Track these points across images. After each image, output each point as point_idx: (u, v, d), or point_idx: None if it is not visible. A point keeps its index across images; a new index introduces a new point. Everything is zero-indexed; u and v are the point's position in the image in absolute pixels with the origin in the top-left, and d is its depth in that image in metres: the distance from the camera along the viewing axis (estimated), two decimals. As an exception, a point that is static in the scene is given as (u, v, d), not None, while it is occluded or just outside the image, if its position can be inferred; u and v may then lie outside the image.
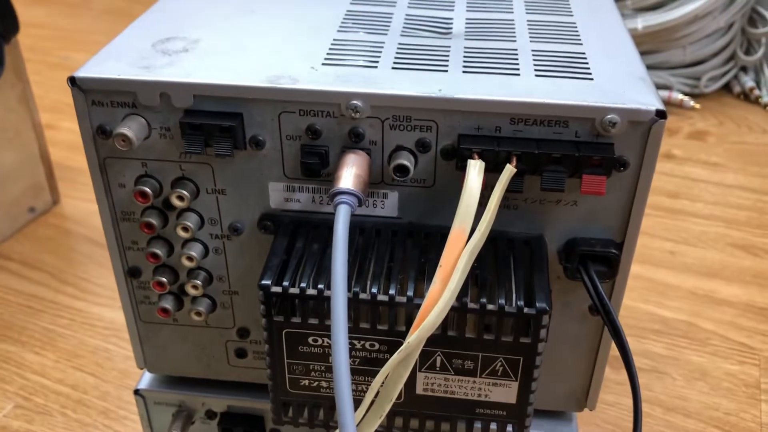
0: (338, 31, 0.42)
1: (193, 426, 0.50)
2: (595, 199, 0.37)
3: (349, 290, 0.36)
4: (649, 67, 1.24)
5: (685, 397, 0.72)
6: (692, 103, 1.28)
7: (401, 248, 0.38)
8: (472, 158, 0.35)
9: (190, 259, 0.41)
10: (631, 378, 0.39)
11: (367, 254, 0.38)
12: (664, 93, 1.28)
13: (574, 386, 0.44)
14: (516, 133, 0.36)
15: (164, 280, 0.42)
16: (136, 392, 0.49)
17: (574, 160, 0.35)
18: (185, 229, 0.40)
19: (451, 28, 0.43)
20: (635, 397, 0.39)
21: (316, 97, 0.36)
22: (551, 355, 0.43)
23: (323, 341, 0.37)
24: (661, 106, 0.34)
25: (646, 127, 0.35)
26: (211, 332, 0.45)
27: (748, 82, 1.33)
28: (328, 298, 0.36)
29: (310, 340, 0.37)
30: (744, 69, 1.34)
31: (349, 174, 0.35)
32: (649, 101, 0.35)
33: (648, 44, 1.26)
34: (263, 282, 0.36)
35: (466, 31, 0.42)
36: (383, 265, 0.37)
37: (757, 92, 1.29)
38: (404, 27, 0.43)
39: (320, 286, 0.36)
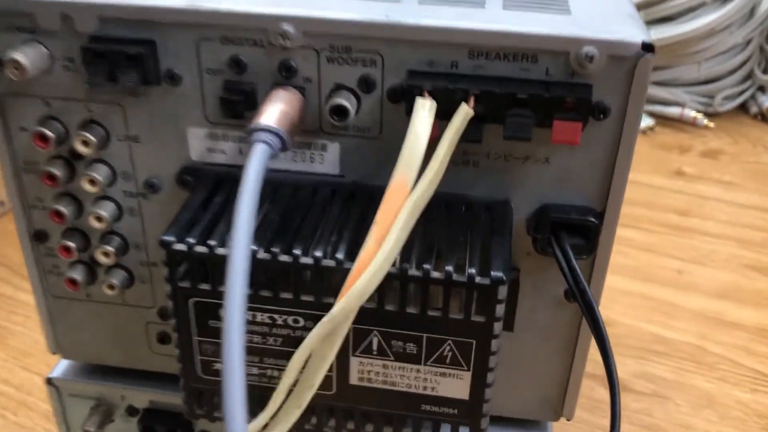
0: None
1: (114, 424, 0.43)
2: (571, 156, 0.31)
3: (264, 249, 0.29)
4: (661, 84, 1.18)
5: (690, 425, 0.65)
6: (706, 121, 1.22)
7: (339, 210, 0.32)
8: (420, 97, 0.29)
9: (99, 219, 0.35)
10: (609, 375, 0.32)
11: (297, 215, 0.32)
12: (676, 110, 1.21)
13: (547, 390, 0.37)
14: (475, 70, 0.30)
15: (71, 245, 0.36)
16: (48, 381, 0.42)
17: (543, 103, 0.29)
18: (92, 182, 0.34)
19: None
20: (613, 401, 0.32)
21: (240, 21, 0.30)
22: (520, 352, 0.36)
23: (239, 314, 0.31)
24: (648, 39, 0.29)
25: (630, 64, 0.29)
26: (128, 312, 0.39)
27: (766, 102, 1.27)
28: (244, 261, 0.30)
29: (221, 312, 0.31)
30: (762, 89, 1.28)
31: (275, 110, 0.29)
32: (634, 33, 0.29)
33: (660, 59, 1.20)
34: (165, 237, 0.30)
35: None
36: (315, 227, 0.31)
37: (774, 113, 1.22)
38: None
39: (235, 245, 0.30)
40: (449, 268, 0.29)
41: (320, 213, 0.32)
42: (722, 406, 0.67)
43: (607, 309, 0.79)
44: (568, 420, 0.39)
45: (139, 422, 0.42)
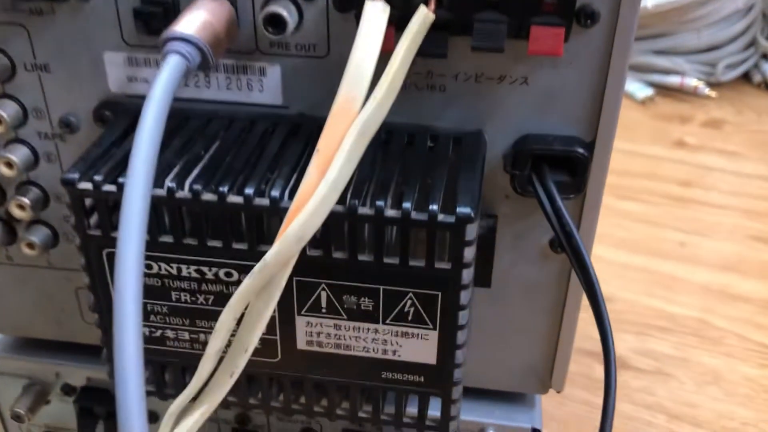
0: None
1: (50, 406, 0.39)
2: (553, 73, 0.26)
3: (184, 188, 0.25)
4: (660, 52, 1.13)
5: (695, 403, 0.60)
6: (707, 90, 1.17)
7: (280, 144, 0.27)
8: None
9: (9, 165, 0.30)
10: (603, 339, 0.28)
11: (229, 151, 0.27)
12: (676, 79, 1.16)
13: (533, 358, 0.32)
14: (436, -32, 0.25)
15: (-19, 196, 0.31)
16: (-28, 358, 0.38)
17: (518, 3, 0.24)
18: (-2, 120, 0.29)
19: None
20: (607, 371, 0.27)
21: None
22: (500, 314, 0.31)
23: (161, 268, 0.26)
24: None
25: (623, -45, 0.24)
26: (55, 275, 0.34)
27: (770, 70, 1.21)
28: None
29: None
30: (765, 57, 1.23)
31: (194, 17, 0.24)
32: None
33: (659, 26, 1.14)
34: (67, 175, 0.25)
35: None
36: (249, 163, 0.26)
37: (779, 82, 1.17)
38: None
39: (153, 183, 0.25)
40: (407, 204, 0.24)
41: (256, 147, 0.27)
42: (728, 382, 0.62)
43: (606, 284, 0.74)
44: (558, 392, 0.34)
45: (75, 402, 0.37)
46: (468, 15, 0.24)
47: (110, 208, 0.25)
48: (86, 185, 0.25)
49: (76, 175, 0.25)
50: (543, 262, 0.30)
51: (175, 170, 0.25)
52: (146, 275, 0.26)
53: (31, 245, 0.32)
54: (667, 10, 1.11)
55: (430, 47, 0.25)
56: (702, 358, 0.65)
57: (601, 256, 0.74)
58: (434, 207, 0.24)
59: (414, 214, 0.24)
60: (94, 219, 0.26)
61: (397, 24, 0.25)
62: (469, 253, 0.24)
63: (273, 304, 0.24)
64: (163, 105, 0.22)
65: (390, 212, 0.24)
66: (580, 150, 0.27)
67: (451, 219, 0.23)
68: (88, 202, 0.25)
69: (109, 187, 0.25)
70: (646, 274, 0.76)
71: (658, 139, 1.02)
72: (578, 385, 0.61)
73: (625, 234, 0.81)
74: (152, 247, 0.26)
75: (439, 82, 0.27)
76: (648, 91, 1.09)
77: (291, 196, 0.24)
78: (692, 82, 1.16)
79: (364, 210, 0.24)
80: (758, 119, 1.08)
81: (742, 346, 0.66)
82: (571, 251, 0.26)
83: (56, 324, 0.36)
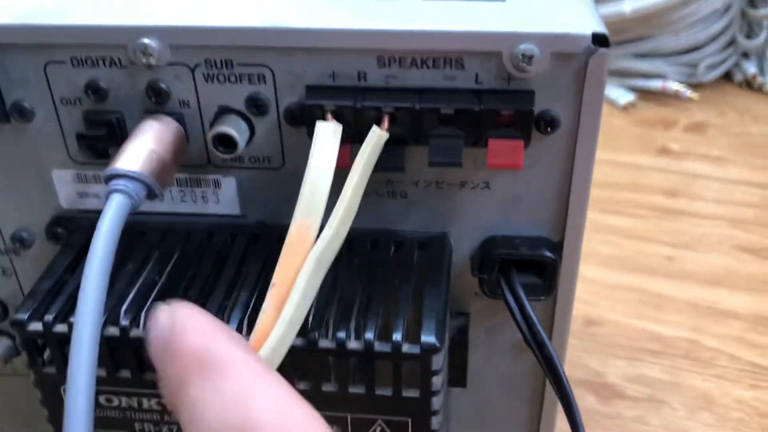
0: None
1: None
2: (516, 178, 0.25)
3: (137, 325, 0.24)
4: (641, 55, 1.12)
5: (688, 430, 0.59)
6: (689, 93, 1.16)
7: (237, 260, 0.26)
8: (323, 119, 0.23)
9: (-37, 283, 0.29)
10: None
11: (185, 272, 0.26)
12: (658, 83, 1.15)
13: (515, 445, 0.32)
14: (388, 81, 0.24)
15: (-64, 313, 0.30)
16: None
17: (473, 118, 0.23)
18: (-53, 240, 0.28)
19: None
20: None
21: (90, 37, 0.24)
22: (480, 410, 0.31)
23: (121, 401, 0.25)
24: (601, 29, 0.23)
25: (581, 63, 0.23)
26: (21, 381, 0.33)
27: (751, 68, 1.21)
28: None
29: (102, 400, 0.25)
30: (745, 55, 1.22)
31: (137, 149, 0.23)
32: (583, 23, 0.23)
33: (637, 30, 1.13)
34: (16, 317, 0.24)
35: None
36: (205, 288, 0.25)
37: (760, 79, 1.16)
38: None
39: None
40: (369, 336, 0.23)
41: (214, 266, 0.26)
42: (721, 406, 0.61)
43: (593, 306, 0.73)
44: (541, 476, 0.33)
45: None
46: (423, 130, 0.23)
47: (62, 345, 0.24)
48: (36, 326, 0.24)
49: (25, 316, 0.24)
50: (518, 355, 0.29)
51: (129, 302, 0.25)
52: (107, 408, 0.25)
53: (-8, 357, 0.31)
54: (646, 14, 1.10)
55: (386, 162, 0.24)
56: (694, 382, 0.64)
57: (588, 277, 0.73)
58: (398, 337, 0.23)
59: (377, 345, 0.23)
60: (47, 354, 0.25)
61: (351, 138, 0.24)
62: (438, 380, 0.23)
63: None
64: (109, 245, 0.21)
65: (353, 344, 0.23)
66: (548, 253, 0.26)
67: (416, 349, 0.23)
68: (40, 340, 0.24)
69: (60, 327, 0.24)
70: (634, 293, 0.75)
71: (642, 146, 1.01)
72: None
73: (611, 251, 0.80)
74: (111, 381, 0.25)
75: (400, 189, 0.26)
76: (630, 97, 1.08)
77: (249, 327, 0.23)
78: (674, 85, 1.15)
79: (325, 343, 0.23)
80: (741, 120, 1.08)
81: (733, 366, 0.66)
82: (543, 361, 0.26)
83: (25, 428, 0.35)
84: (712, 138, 1.03)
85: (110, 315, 0.24)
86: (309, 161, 0.23)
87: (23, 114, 0.26)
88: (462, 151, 0.23)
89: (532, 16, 0.23)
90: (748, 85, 1.20)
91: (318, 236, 0.22)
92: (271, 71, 0.24)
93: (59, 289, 0.25)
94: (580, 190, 0.25)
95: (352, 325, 0.23)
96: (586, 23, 0.23)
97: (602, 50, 0.22)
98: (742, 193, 0.91)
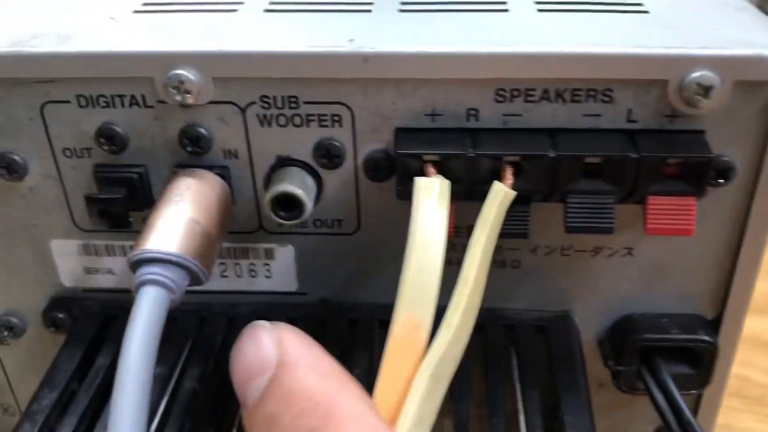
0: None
1: None
2: (669, 242, 0.19)
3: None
4: None
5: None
6: None
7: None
8: (424, 174, 0.17)
9: (-65, 382, 0.23)
10: None
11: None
12: None
13: None
14: (509, 121, 0.18)
15: None
16: None
17: (629, 168, 0.17)
18: None
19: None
20: None
21: (103, 67, 0.18)
22: None
23: None
24: (802, 49, 0.17)
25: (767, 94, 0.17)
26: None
27: None
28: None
29: None
30: None
31: (173, 219, 0.17)
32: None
33: None
34: (10, 449, 0.18)
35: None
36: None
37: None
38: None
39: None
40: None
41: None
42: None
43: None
44: None
45: None
46: (559, 186, 0.17)
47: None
48: (37, 464, 0.17)
49: (21, 448, 0.18)
50: (647, 455, 0.23)
51: (158, 421, 0.18)
52: None
53: (-26, 468, 0.25)
54: None
55: (505, 227, 0.18)
56: (747, 423, 0.59)
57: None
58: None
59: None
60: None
61: (460, 194, 0.18)
62: None
63: None
64: (144, 362, 0.15)
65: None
66: (705, 337, 0.20)
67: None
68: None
69: (71, 467, 0.17)
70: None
71: None
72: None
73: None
74: None
75: (511, 257, 0.20)
76: None
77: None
78: None
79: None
80: None
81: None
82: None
83: None
84: None
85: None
86: (411, 234, 0.17)
87: (13, 169, 0.19)
88: (613, 214, 0.17)
89: (696, 33, 0.18)
90: None
91: (432, 336, 0.16)
92: (350, 110, 0.18)
93: (65, 406, 0.19)
94: (750, 256, 0.19)
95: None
96: (775, 40, 0.17)
97: (805, 77, 0.17)
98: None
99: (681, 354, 0.20)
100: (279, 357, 0.14)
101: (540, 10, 0.19)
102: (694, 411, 0.22)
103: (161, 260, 0.16)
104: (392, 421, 0.16)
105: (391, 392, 0.16)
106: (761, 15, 0.19)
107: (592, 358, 0.21)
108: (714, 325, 0.21)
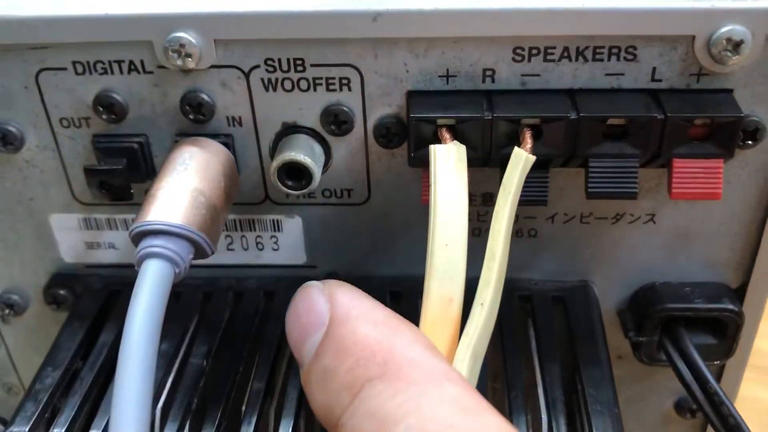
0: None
1: None
2: (693, 207, 0.19)
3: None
4: None
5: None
6: None
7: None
8: (439, 140, 0.17)
9: (-65, 362, 0.22)
10: None
11: (239, 349, 0.19)
12: None
13: None
14: (527, 82, 0.17)
15: None
16: None
17: (654, 130, 0.16)
18: None
19: None
20: None
21: (100, 31, 0.17)
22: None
23: None
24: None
25: (806, 49, 0.16)
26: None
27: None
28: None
29: None
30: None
31: (176, 190, 0.16)
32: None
33: None
34: (13, 429, 0.17)
35: None
36: (272, 376, 0.18)
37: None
38: None
39: None
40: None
41: (277, 343, 0.19)
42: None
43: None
44: None
45: None
46: (581, 150, 0.17)
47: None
48: (38, 448, 0.17)
49: (25, 429, 0.17)
50: (665, 427, 0.23)
51: (164, 398, 0.18)
52: None
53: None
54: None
55: (524, 194, 0.17)
56: (756, 392, 0.58)
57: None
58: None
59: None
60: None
61: (477, 159, 0.17)
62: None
63: None
64: (149, 338, 0.15)
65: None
66: (730, 305, 0.19)
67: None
68: (44, 460, 0.17)
69: (75, 448, 0.17)
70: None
71: None
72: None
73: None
74: None
75: (528, 226, 0.19)
76: None
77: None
78: None
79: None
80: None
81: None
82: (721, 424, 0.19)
83: None
84: None
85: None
86: (432, 207, 0.16)
87: (8, 141, 0.18)
88: (637, 178, 0.17)
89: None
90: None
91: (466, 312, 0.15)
92: (359, 73, 0.17)
93: (68, 385, 0.18)
94: (778, 221, 0.19)
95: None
96: (810, -9, 0.16)
97: (841, 31, 0.16)
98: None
99: (704, 324, 0.20)
100: (331, 312, 0.14)
101: (557, -35, 0.18)
102: (717, 377, 0.21)
103: (164, 232, 0.15)
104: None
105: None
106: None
107: (612, 330, 0.21)
108: (739, 294, 0.20)
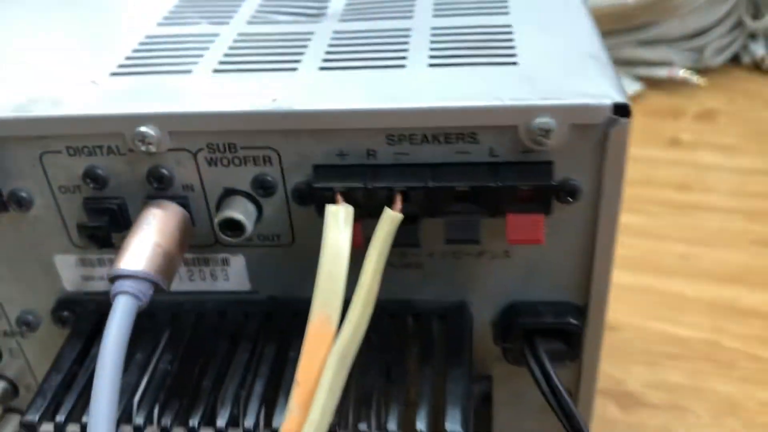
0: (159, 24, 0.29)
1: None
2: (536, 248, 0.24)
3: (150, 422, 0.23)
4: (645, 43, 1.09)
5: (715, 438, 0.58)
6: (697, 79, 1.13)
7: (251, 342, 0.25)
8: (332, 201, 0.22)
9: (-29, 367, 0.29)
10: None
11: (197, 356, 0.25)
12: (664, 71, 1.13)
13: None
14: (398, 158, 0.23)
15: (-53, 397, 0.30)
16: None
17: (491, 194, 0.22)
18: (-48, 328, 0.27)
19: (325, 8, 0.30)
20: None
21: (85, 127, 0.23)
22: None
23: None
24: (621, 98, 0.21)
25: (600, 133, 0.22)
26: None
27: (759, 50, 1.18)
28: (133, 435, 0.23)
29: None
30: (753, 36, 1.19)
31: (141, 244, 0.22)
32: (602, 91, 0.22)
33: (641, 16, 1.11)
34: (27, 418, 0.23)
35: (344, 10, 0.30)
36: (220, 374, 0.24)
37: (770, 61, 1.14)
38: (258, 11, 0.30)
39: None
40: (392, 427, 0.22)
41: (228, 349, 0.25)
42: (746, 411, 0.60)
43: (612, 311, 0.72)
44: None
45: None
46: (437, 207, 0.22)
47: (77, 444, 0.24)
48: (48, 427, 0.23)
49: (36, 417, 0.23)
50: (546, 414, 0.28)
51: (141, 394, 0.24)
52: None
53: (6, 436, 0.31)
54: (650, 2, 1.08)
55: (400, 238, 0.23)
56: (716, 385, 0.63)
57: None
58: (422, 427, 0.22)
59: (398, 439, 0.22)
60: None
61: (363, 214, 0.23)
62: (465, 471, 0.22)
63: None
64: (118, 350, 0.21)
65: (373, 438, 0.22)
66: (573, 320, 0.25)
67: (441, 442, 0.22)
68: (52, 439, 0.24)
69: (73, 428, 0.23)
70: (650, 294, 0.74)
71: (651, 138, 0.99)
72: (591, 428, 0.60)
73: (625, 251, 0.78)
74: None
75: (415, 261, 0.25)
76: (636, 87, 1.06)
77: (266, 422, 0.23)
78: (680, 72, 1.13)
79: (348, 438, 0.22)
80: (751, 105, 1.05)
81: (756, 367, 0.64)
82: (571, 429, 0.25)
83: None
84: (723, 126, 1.01)
85: (123, 411, 0.23)
86: (322, 250, 0.22)
87: (21, 203, 0.25)
88: (480, 228, 0.22)
89: (547, 83, 0.22)
90: (757, 67, 1.17)
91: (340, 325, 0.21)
92: (277, 153, 0.23)
93: (69, 383, 0.24)
94: (604, 255, 0.24)
95: (373, 413, 0.23)
96: (605, 90, 0.22)
97: (623, 120, 0.21)
98: (757, 183, 0.88)
99: (556, 333, 0.25)
100: None
101: (431, 65, 0.24)
102: (577, 377, 0.27)
103: (130, 276, 0.22)
104: (310, 394, 0.21)
105: (311, 369, 0.21)
106: (607, 64, 0.24)
107: (488, 338, 0.26)
108: (583, 310, 0.25)
